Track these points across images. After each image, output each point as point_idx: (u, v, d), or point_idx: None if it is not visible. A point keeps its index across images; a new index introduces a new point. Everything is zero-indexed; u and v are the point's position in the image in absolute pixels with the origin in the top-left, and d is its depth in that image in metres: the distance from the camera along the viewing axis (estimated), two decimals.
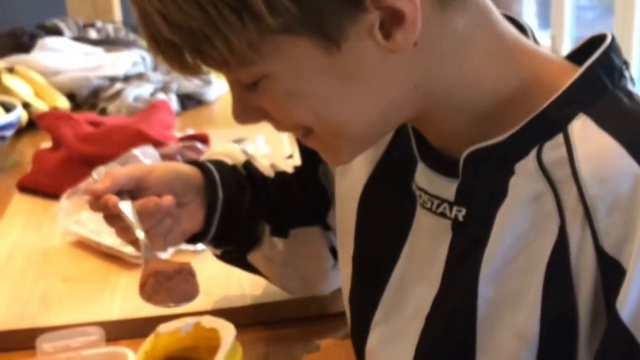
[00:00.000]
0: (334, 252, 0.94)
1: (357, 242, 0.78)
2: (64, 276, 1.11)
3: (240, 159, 0.95)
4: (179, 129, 1.59)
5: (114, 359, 0.93)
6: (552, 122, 0.62)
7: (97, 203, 0.84)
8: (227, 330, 0.80)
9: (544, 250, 0.61)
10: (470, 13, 0.62)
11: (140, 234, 0.82)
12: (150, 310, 0.99)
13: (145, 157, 1.27)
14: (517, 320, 0.63)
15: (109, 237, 1.15)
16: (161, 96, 1.76)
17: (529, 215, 0.62)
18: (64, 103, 1.77)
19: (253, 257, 0.95)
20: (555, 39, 2.46)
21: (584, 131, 0.61)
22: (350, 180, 0.80)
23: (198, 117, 1.77)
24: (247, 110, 0.65)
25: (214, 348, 0.78)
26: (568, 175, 0.60)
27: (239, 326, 0.81)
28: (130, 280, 1.09)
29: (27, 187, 1.39)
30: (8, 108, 1.54)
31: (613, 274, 0.58)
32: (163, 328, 0.81)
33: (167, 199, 0.84)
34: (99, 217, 1.20)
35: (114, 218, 0.85)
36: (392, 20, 0.58)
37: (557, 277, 0.61)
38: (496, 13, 0.65)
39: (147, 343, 0.79)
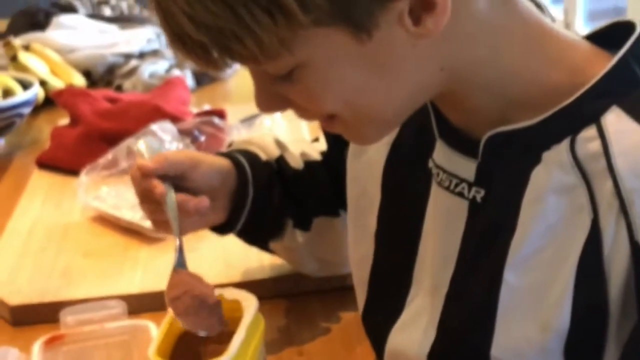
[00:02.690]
0: None
1: (380, 220, 0.78)
2: (85, 251, 1.12)
3: (274, 153, 0.95)
4: (195, 105, 1.59)
5: (136, 332, 0.94)
6: (584, 114, 0.62)
7: (143, 182, 0.84)
8: (249, 302, 0.81)
9: (574, 242, 0.61)
10: None
11: (177, 238, 0.82)
12: None
13: (163, 132, 1.28)
14: (542, 312, 0.63)
15: (128, 212, 1.16)
16: (176, 72, 1.76)
17: (560, 207, 0.62)
18: (79, 80, 1.77)
19: (274, 245, 0.97)
20: (568, 13, 2.44)
21: (619, 124, 0.61)
22: (367, 161, 0.80)
23: (213, 93, 1.77)
24: (272, 99, 0.65)
25: (236, 319, 0.79)
26: (603, 169, 0.60)
27: (259, 298, 0.82)
28: (151, 254, 1.10)
29: (46, 164, 1.40)
30: (25, 85, 1.55)
31: None
32: None
33: (204, 202, 0.85)
34: (118, 192, 1.22)
35: (149, 201, 0.85)
36: (422, 6, 0.58)
37: (590, 269, 0.61)
38: None
39: (171, 315, 0.79)
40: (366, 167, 0.80)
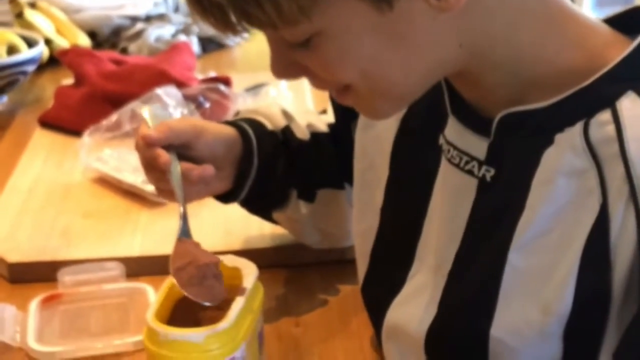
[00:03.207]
0: None
1: (387, 195, 0.78)
2: (85, 212, 1.12)
3: (280, 123, 0.94)
4: (200, 71, 1.58)
5: (134, 294, 0.95)
6: (600, 97, 0.61)
7: (147, 151, 0.84)
8: (249, 270, 0.81)
9: (582, 226, 0.61)
10: None
11: (181, 203, 0.82)
12: (170, 248, 1.01)
13: (168, 97, 1.27)
14: (544, 295, 0.63)
15: (130, 175, 1.16)
16: (182, 38, 1.75)
17: (569, 189, 0.62)
18: (85, 41, 1.76)
19: (277, 216, 0.97)
20: None
21: (634, 110, 0.60)
22: (377, 134, 0.79)
23: (219, 60, 1.76)
24: (287, 65, 0.65)
25: (235, 287, 0.79)
26: (615, 154, 0.60)
27: (258, 267, 0.81)
28: (151, 218, 1.10)
29: (49, 123, 1.39)
30: (30, 43, 1.54)
31: None
32: None
33: (209, 170, 0.84)
34: (120, 154, 1.21)
35: (155, 170, 0.85)
36: None
37: (595, 254, 0.60)
38: None
39: (170, 280, 0.79)
40: (375, 141, 0.79)
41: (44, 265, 1.00)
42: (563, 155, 0.62)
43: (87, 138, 1.24)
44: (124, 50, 1.75)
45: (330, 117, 0.97)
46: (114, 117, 1.26)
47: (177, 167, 0.83)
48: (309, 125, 0.96)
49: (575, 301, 0.62)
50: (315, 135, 0.95)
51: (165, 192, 0.87)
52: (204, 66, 1.64)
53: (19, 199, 1.16)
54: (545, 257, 0.63)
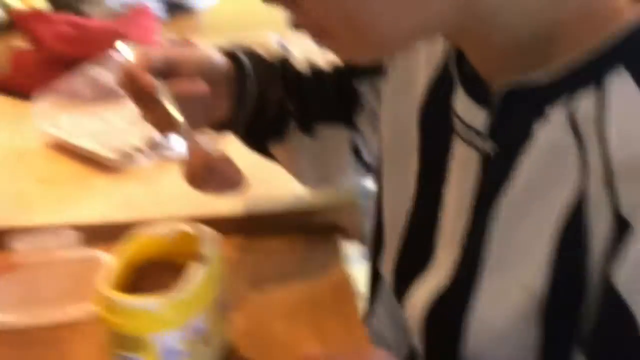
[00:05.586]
0: (356, 152, 0.93)
1: (421, 160, 0.74)
2: (40, 177, 1.08)
3: (277, 53, 0.91)
4: (164, 36, 1.53)
5: (88, 261, 0.92)
6: (590, 70, 0.57)
7: (131, 82, 0.81)
8: (207, 236, 0.78)
9: (559, 205, 0.58)
10: None
11: (179, 117, 0.80)
12: (127, 215, 0.98)
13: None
14: (523, 272, 0.61)
15: (87, 141, 1.12)
16: (148, 1, 1.70)
17: (549, 165, 0.59)
18: (42, 4, 1.71)
19: (274, 148, 0.93)
20: None
21: (621, 89, 0.56)
22: (411, 98, 0.75)
23: (186, 26, 1.71)
24: None
25: (192, 254, 0.76)
26: (596, 133, 0.56)
27: (223, 235, 0.79)
28: (109, 184, 1.06)
29: (3, 87, 1.35)
30: None
31: (624, 236, 0.55)
32: (144, 232, 0.79)
33: (201, 87, 0.82)
34: (77, 120, 1.18)
35: (145, 100, 0.82)
36: None
37: (571, 234, 0.58)
38: None
39: (128, 246, 0.76)
40: (408, 105, 0.75)
41: None
42: (550, 130, 0.59)
43: (42, 103, 1.20)
44: (84, 15, 1.70)
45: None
46: (69, 81, 1.22)
47: (164, 85, 0.81)
48: (308, 60, 0.92)
49: (552, 281, 0.59)
50: (315, 70, 0.92)
51: (164, 124, 0.83)
52: (170, 31, 1.60)
53: None
54: (524, 233, 0.61)
